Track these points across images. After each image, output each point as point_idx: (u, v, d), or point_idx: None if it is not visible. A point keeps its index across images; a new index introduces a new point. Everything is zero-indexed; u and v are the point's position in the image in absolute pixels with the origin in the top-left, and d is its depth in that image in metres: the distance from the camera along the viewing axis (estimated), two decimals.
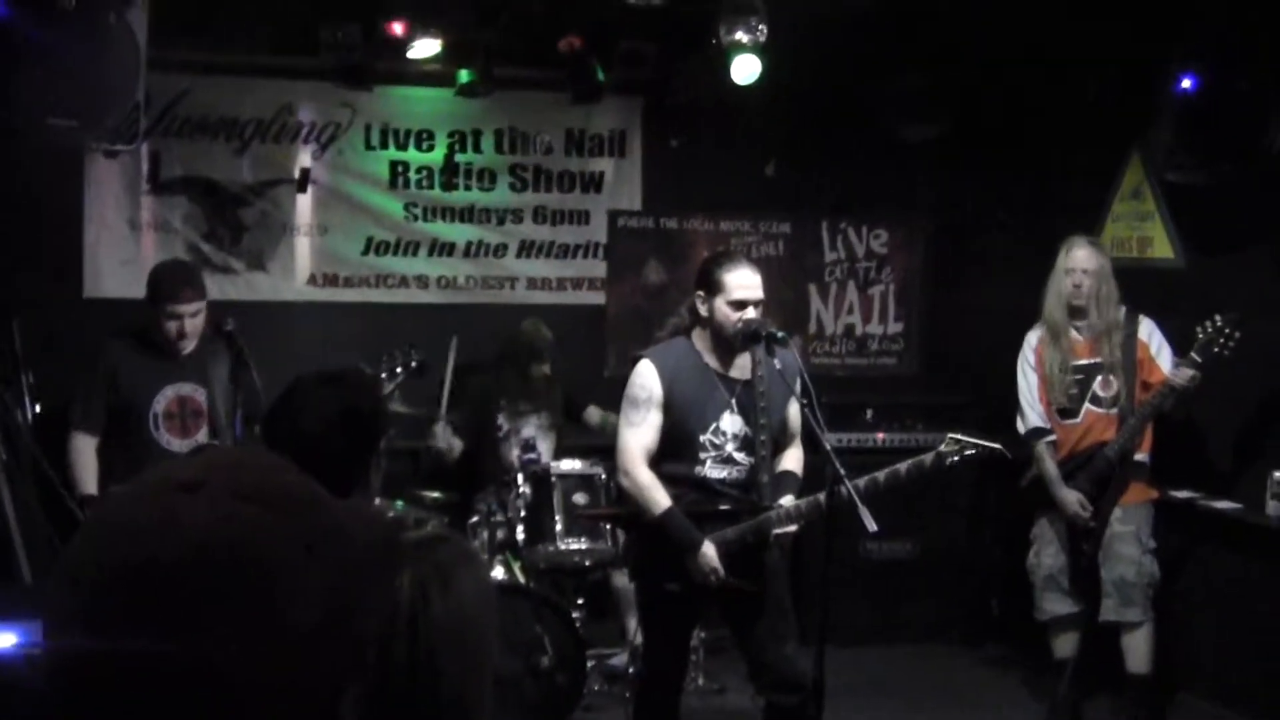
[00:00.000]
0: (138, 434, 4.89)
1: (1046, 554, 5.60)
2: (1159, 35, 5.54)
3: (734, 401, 4.41)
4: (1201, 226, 5.84)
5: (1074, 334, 5.48)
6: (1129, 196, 6.29)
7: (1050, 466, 5.49)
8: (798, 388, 4.34)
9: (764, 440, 4.39)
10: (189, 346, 4.90)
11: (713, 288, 4.37)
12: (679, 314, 4.60)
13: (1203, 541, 5.78)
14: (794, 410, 4.52)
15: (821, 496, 4.20)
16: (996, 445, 4.17)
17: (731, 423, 4.41)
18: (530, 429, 6.25)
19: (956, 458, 4.14)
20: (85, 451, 4.83)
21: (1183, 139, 5.46)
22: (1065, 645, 5.60)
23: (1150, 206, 6.15)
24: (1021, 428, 5.60)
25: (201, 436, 4.94)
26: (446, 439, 6.06)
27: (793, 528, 4.37)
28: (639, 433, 4.37)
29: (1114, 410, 5.41)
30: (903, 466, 4.22)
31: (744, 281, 4.34)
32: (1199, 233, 5.88)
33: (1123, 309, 5.44)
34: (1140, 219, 6.22)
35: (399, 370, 5.25)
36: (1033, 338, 5.62)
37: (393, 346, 5.61)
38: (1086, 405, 5.46)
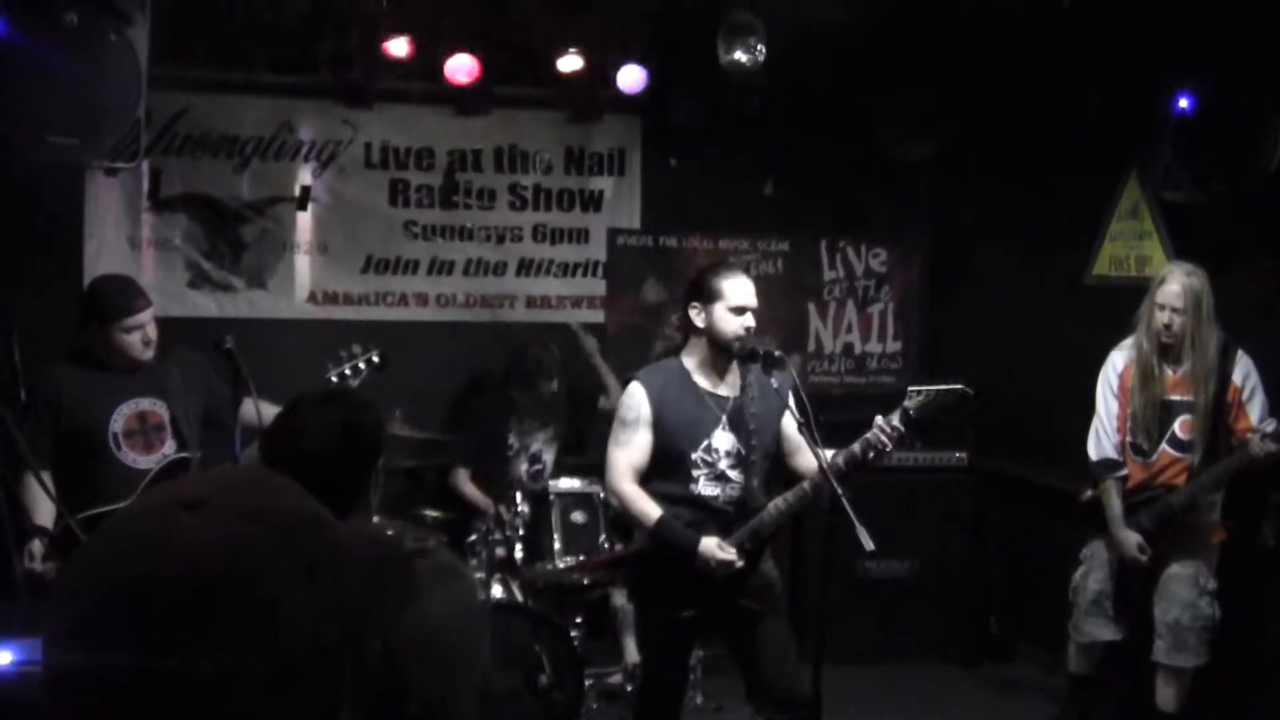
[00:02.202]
0: (97, 455, 4.65)
1: (1095, 578, 5.34)
2: (1156, 54, 5.55)
3: (725, 418, 4.40)
4: (1199, 245, 5.84)
5: (1166, 371, 5.10)
6: (1126, 215, 6.30)
7: (1115, 504, 5.18)
8: (792, 402, 4.32)
9: (754, 461, 4.39)
10: (151, 354, 4.69)
11: (710, 296, 4.37)
12: (666, 335, 4.61)
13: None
14: (789, 424, 4.51)
15: (807, 485, 4.23)
16: (957, 386, 4.16)
17: (724, 440, 4.40)
18: (537, 444, 6.34)
19: (923, 409, 4.12)
20: (34, 486, 4.42)
21: (1180, 158, 5.46)
22: (1085, 663, 5.49)
23: (1148, 225, 6.16)
24: (1094, 454, 5.28)
25: (168, 450, 4.75)
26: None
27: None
28: (626, 451, 4.38)
29: (1191, 456, 5.06)
30: (874, 430, 4.19)
31: (743, 289, 4.36)
32: (1196, 251, 5.86)
33: (1221, 340, 5.03)
34: (1138, 237, 6.22)
35: (362, 367, 4.98)
36: (1118, 360, 5.25)
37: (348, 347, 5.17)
38: (1163, 446, 5.12)
